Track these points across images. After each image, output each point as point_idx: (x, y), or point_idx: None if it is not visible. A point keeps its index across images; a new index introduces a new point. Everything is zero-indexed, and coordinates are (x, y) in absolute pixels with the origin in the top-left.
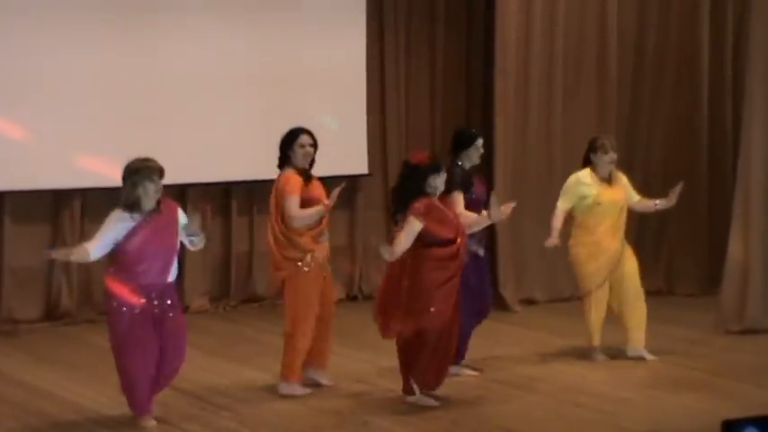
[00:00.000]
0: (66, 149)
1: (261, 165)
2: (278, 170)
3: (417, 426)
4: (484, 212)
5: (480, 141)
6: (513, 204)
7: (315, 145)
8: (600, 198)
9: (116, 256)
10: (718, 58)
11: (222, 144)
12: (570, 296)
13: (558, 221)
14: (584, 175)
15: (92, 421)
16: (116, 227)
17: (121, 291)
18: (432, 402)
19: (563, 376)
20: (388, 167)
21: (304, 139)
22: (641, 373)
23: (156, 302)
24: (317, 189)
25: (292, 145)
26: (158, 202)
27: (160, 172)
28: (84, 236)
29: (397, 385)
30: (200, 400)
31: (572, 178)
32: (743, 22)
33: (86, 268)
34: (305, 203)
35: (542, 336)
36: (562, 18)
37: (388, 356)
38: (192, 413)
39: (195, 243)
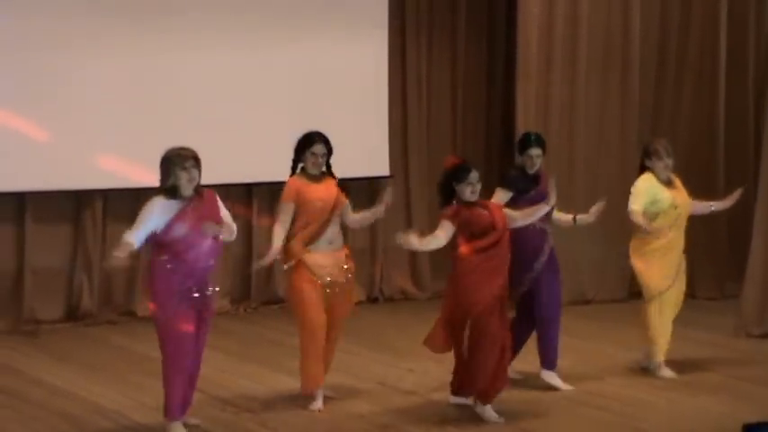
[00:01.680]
0: (88, 150)
1: (282, 166)
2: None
3: (438, 428)
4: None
5: (534, 151)
6: (601, 204)
7: (329, 152)
8: (676, 201)
9: (162, 244)
10: (738, 59)
11: (244, 145)
12: (592, 299)
13: (646, 222)
14: (650, 178)
15: (113, 422)
16: (157, 214)
17: (163, 285)
18: (494, 417)
19: (583, 378)
20: (410, 169)
21: (317, 148)
22: (661, 376)
23: (198, 292)
24: (324, 190)
25: (305, 152)
26: (197, 190)
27: (195, 160)
28: (107, 236)
29: (418, 387)
30: (221, 402)
31: (643, 182)
32: (762, 21)
33: (108, 269)
34: (303, 205)
35: (563, 339)
36: (585, 20)
37: (407, 359)
38: (213, 415)
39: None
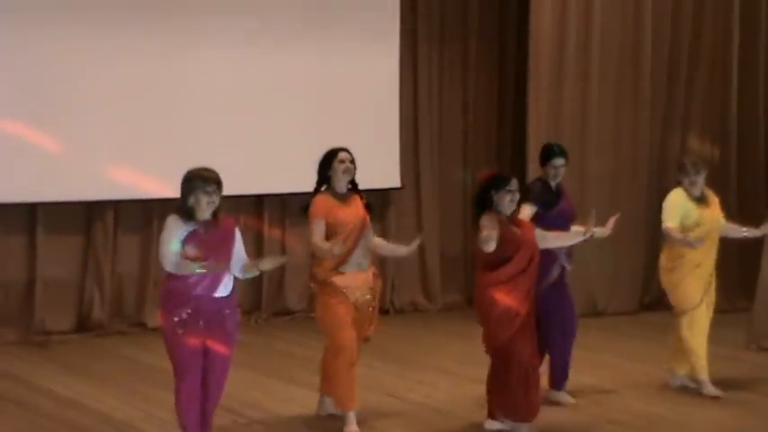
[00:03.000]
0: (99, 161)
1: (293, 177)
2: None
3: None
4: (575, 228)
5: (558, 161)
6: (616, 216)
7: (354, 162)
8: (702, 218)
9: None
10: (751, 61)
11: (255, 157)
12: (602, 311)
13: (677, 232)
14: (680, 193)
15: None
16: (174, 232)
17: (171, 305)
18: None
19: (594, 391)
20: (421, 180)
21: (343, 155)
22: (673, 389)
23: (203, 317)
24: (352, 212)
25: (332, 163)
26: (215, 215)
27: (217, 184)
28: (117, 248)
29: (427, 399)
30: (232, 413)
31: (675, 197)
32: None
33: (118, 280)
34: (332, 226)
35: (574, 351)
36: (597, 32)
37: (417, 371)
38: (224, 425)
39: (246, 275)
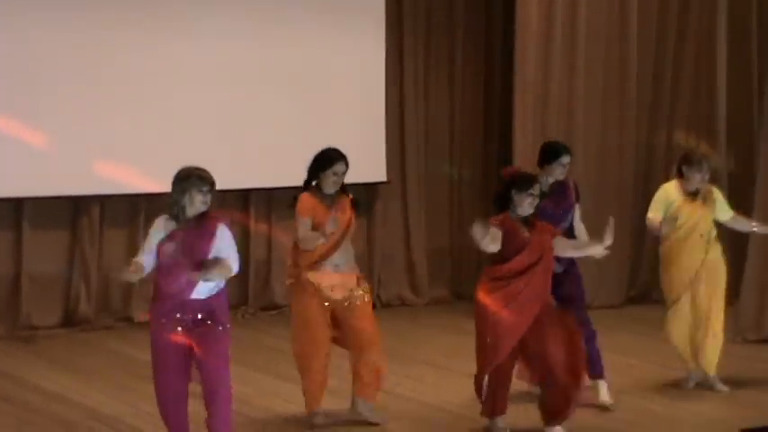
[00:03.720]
0: (85, 156)
1: (279, 172)
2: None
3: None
4: (583, 239)
5: (565, 159)
6: (611, 223)
7: (347, 171)
8: (679, 212)
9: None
10: (739, 63)
11: (241, 151)
12: (589, 304)
13: (656, 222)
14: (671, 186)
15: (110, 427)
16: (157, 234)
17: (152, 305)
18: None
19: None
20: (407, 175)
21: (338, 167)
22: (661, 382)
23: (181, 317)
24: (343, 215)
25: (326, 170)
26: (203, 214)
27: (211, 184)
28: (103, 243)
29: (414, 393)
30: None
31: (660, 190)
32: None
33: (104, 274)
34: (316, 228)
35: None
36: (583, 24)
37: (404, 365)
38: None
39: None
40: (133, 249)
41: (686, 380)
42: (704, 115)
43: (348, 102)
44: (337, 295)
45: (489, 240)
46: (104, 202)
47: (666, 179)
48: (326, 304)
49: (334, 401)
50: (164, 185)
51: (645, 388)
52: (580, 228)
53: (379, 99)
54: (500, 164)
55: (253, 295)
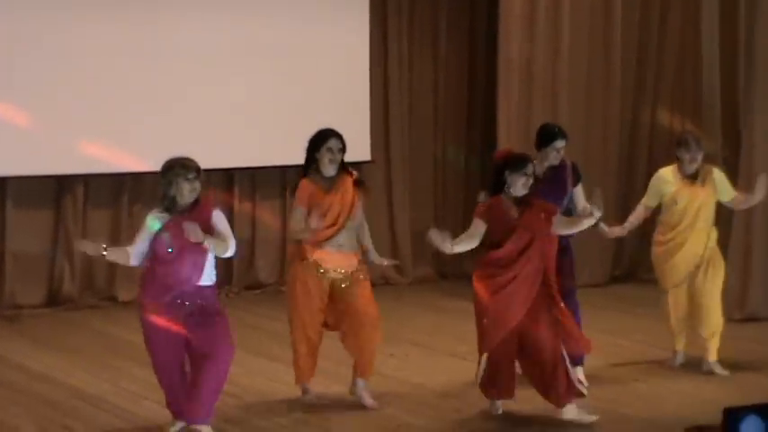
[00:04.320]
0: (69, 135)
1: (263, 151)
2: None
3: (429, 416)
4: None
5: (560, 143)
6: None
7: (343, 149)
8: (677, 196)
9: (149, 256)
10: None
11: (224, 130)
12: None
13: (634, 216)
14: (666, 171)
15: (93, 406)
16: (150, 226)
17: (144, 294)
18: (495, 410)
19: None
20: (391, 154)
21: (333, 143)
22: (642, 360)
23: (180, 304)
24: (338, 198)
25: (320, 148)
26: (195, 202)
27: (197, 171)
28: (87, 222)
29: (398, 372)
30: None
31: (655, 175)
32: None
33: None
34: (313, 213)
35: None
36: (567, 4)
37: (388, 344)
38: None
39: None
40: (117, 228)
41: (672, 359)
42: (691, 97)
43: (332, 81)
44: (337, 274)
45: (450, 244)
46: (88, 180)
47: (650, 160)
48: (324, 282)
49: (324, 384)
50: (148, 165)
51: (628, 367)
52: (585, 208)
53: (364, 79)
54: (484, 145)
55: (237, 274)
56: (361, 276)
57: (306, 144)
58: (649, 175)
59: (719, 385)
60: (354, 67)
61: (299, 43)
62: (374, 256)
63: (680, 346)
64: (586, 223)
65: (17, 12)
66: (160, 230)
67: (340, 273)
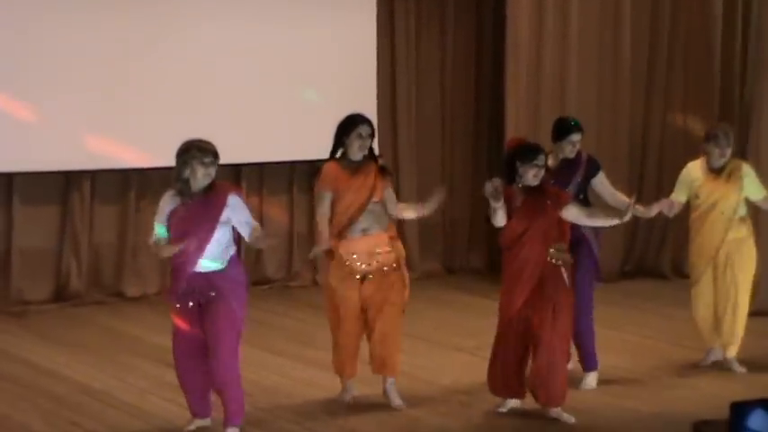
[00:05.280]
0: (76, 131)
1: (271, 146)
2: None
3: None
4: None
5: (575, 137)
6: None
7: (372, 135)
8: (699, 191)
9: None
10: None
11: (232, 125)
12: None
13: (657, 204)
14: (694, 166)
15: (100, 402)
16: (166, 207)
17: (169, 291)
18: (501, 409)
19: (573, 358)
20: (398, 146)
21: (363, 129)
22: (650, 355)
23: (196, 291)
24: (360, 183)
25: (350, 134)
26: (210, 186)
27: (214, 155)
28: (94, 217)
29: (405, 367)
30: None
31: (686, 170)
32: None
33: (96, 249)
34: (337, 196)
35: None
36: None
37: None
38: None
39: (255, 242)
40: (124, 224)
41: (704, 358)
42: (702, 100)
43: (339, 74)
44: (363, 266)
45: (500, 203)
46: (95, 176)
47: (661, 147)
48: (357, 277)
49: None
50: (155, 160)
51: (637, 361)
52: (615, 196)
53: (371, 71)
54: (491, 134)
55: (245, 270)
56: (385, 268)
57: (334, 130)
58: (660, 163)
59: (727, 379)
60: (361, 60)
61: (306, 36)
62: (422, 209)
63: (711, 343)
64: (607, 223)
65: (24, 8)
66: (172, 213)
67: (364, 265)
